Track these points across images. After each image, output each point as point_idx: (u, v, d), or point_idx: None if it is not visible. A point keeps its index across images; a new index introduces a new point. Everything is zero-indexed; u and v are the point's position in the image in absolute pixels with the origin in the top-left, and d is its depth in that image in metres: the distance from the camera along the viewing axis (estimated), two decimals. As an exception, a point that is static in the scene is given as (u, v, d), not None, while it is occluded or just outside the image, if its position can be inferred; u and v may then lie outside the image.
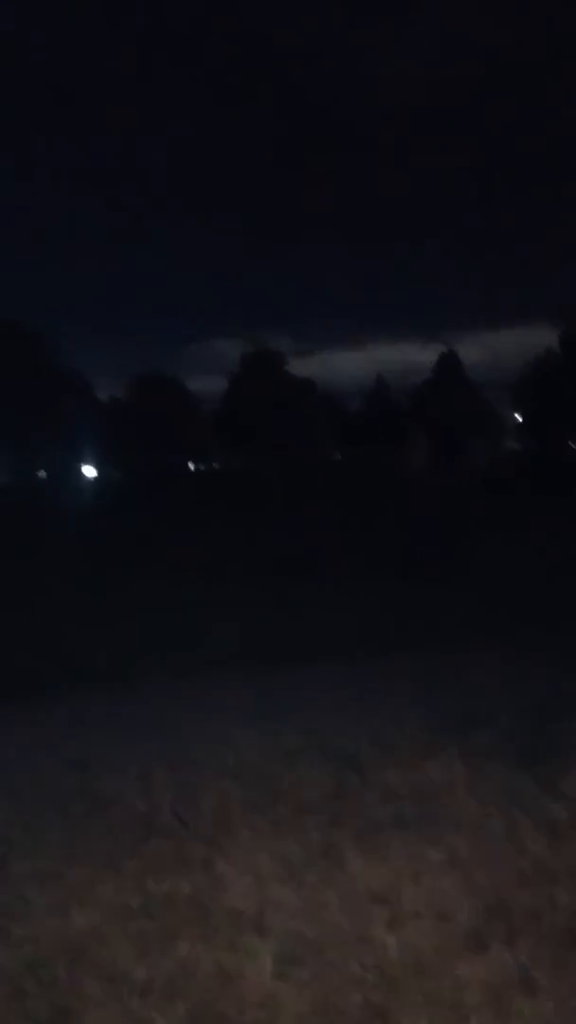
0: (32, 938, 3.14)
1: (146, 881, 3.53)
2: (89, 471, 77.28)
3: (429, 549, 14.21)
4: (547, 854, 3.66)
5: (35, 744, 5.40)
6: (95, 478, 74.97)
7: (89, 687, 6.73)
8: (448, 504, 27.53)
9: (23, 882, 3.57)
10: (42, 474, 73.57)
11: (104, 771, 4.78)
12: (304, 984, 2.81)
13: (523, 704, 5.70)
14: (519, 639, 7.82)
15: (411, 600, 9.94)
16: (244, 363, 78.30)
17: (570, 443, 66.65)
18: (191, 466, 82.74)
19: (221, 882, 3.51)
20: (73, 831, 4.04)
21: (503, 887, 3.40)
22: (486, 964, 2.89)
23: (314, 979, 2.84)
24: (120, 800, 4.38)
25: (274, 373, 76.89)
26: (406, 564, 12.43)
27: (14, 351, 68.82)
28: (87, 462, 77.02)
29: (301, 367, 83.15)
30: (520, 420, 74.06)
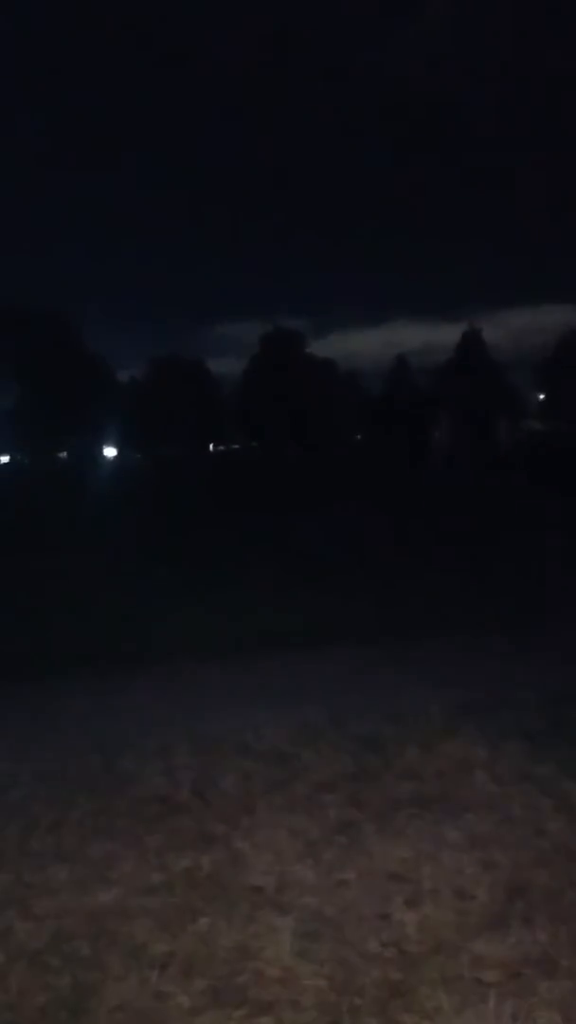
0: (55, 913, 3.18)
1: (167, 858, 3.56)
2: (110, 452, 77.57)
3: (451, 533, 14.16)
4: (567, 834, 3.66)
5: (59, 724, 5.45)
6: (115, 459, 75.22)
7: (112, 668, 6.78)
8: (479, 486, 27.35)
9: (46, 859, 3.61)
10: (63, 455, 73.96)
11: (127, 750, 4.82)
12: (322, 960, 2.83)
13: (542, 688, 5.68)
14: (538, 626, 7.78)
15: (433, 585, 9.92)
16: (264, 344, 78.09)
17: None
18: (211, 448, 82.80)
19: (241, 859, 3.54)
20: (96, 809, 4.08)
21: (522, 866, 3.40)
22: (504, 943, 2.90)
23: (332, 955, 2.86)
24: (142, 779, 4.42)
25: (294, 354, 76.65)
26: (427, 549, 12.40)
27: (35, 333, 69.04)
28: (108, 444, 77.30)
29: (316, 348, 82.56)
30: (543, 399, 73.49)
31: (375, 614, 8.39)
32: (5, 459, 72.80)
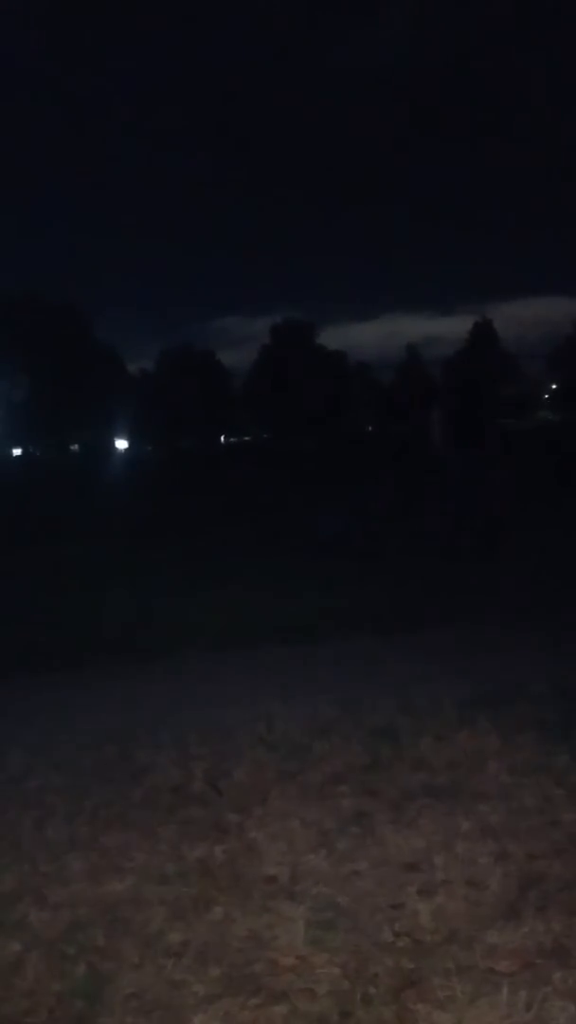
0: (70, 903, 3.21)
1: (181, 848, 3.58)
2: (121, 444, 77.71)
3: (466, 523, 14.08)
4: (580, 824, 3.65)
5: (74, 715, 5.48)
6: (127, 451, 75.36)
7: (125, 659, 6.82)
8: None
9: (61, 848, 3.64)
10: (75, 447, 74.15)
11: (142, 740, 4.84)
12: (336, 949, 2.84)
13: (558, 680, 5.67)
14: (555, 618, 7.75)
15: (447, 576, 9.91)
16: (275, 335, 77.98)
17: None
18: (222, 439, 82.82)
19: (254, 849, 3.55)
20: (110, 798, 4.10)
21: (536, 856, 3.40)
22: (518, 933, 2.90)
23: (346, 945, 2.87)
24: (155, 769, 4.44)
25: (305, 345, 76.52)
26: (443, 539, 12.35)
27: (46, 326, 69.12)
28: (119, 435, 77.44)
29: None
30: (555, 389, 73.20)
31: (390, 604, 8.39)
32: (18, 451, 73.06)
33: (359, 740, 4.69)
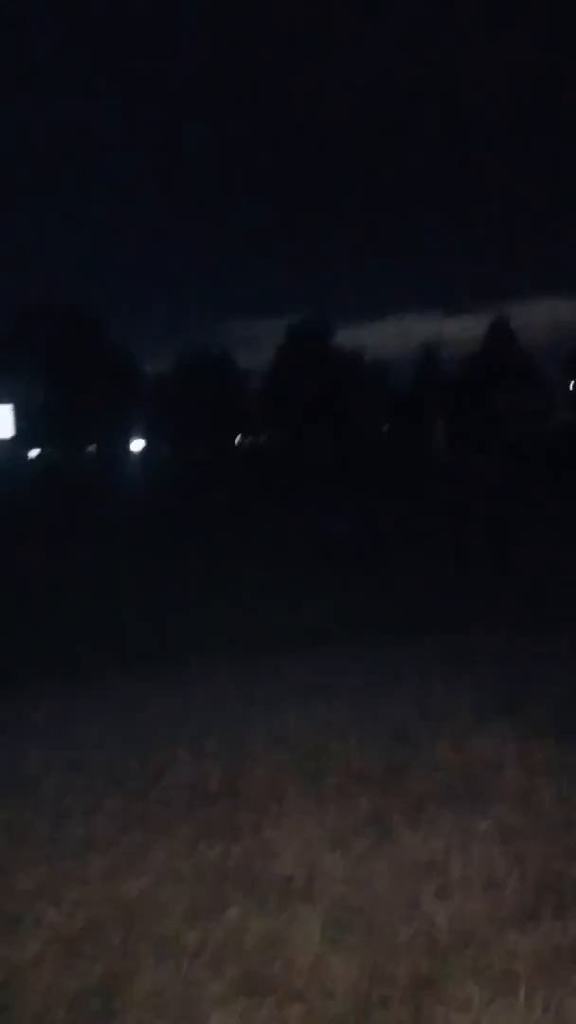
0: (88, 902, 3.22)
1: (197, 848, 3.59)
2: (137, 446, 77.94)
3: (476, 528, 14.05)
4: (598, 826, 3.64)
5: (92, 716, 5.50)
6: (142, 452, 75.56)
7: (143, 662, 6.83)
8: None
9: (79, 848, 3.65)
10: (91, 449, 74.41)
11: (158, 741, 4.85)
12: (352, 950, 2.84)
13: (574, 684, 5.64)
14: (568, 623, 7.71)
15: (460, 582, 9.88)
16: (290, 335, 77.94)
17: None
18: (237, 441, 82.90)
19: (271, 849, 3.56)
20: (128, 799, 4.12)
21: (552, 859, 3.39)
22: (535, 934, 2.89)
23: (362, 946, 2.87)
24: (173, 770, 4.45)
25: (321, 345, 76.46)
26: (453, 545, 12.33)
27: (61, 328, 69.48)
28: (135, 437, 77.66)
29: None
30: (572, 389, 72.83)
31: (406, 608, 8.37)
32: (35, 452, 73.42)
33: (376, 742, 4.69)
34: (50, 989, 2.72)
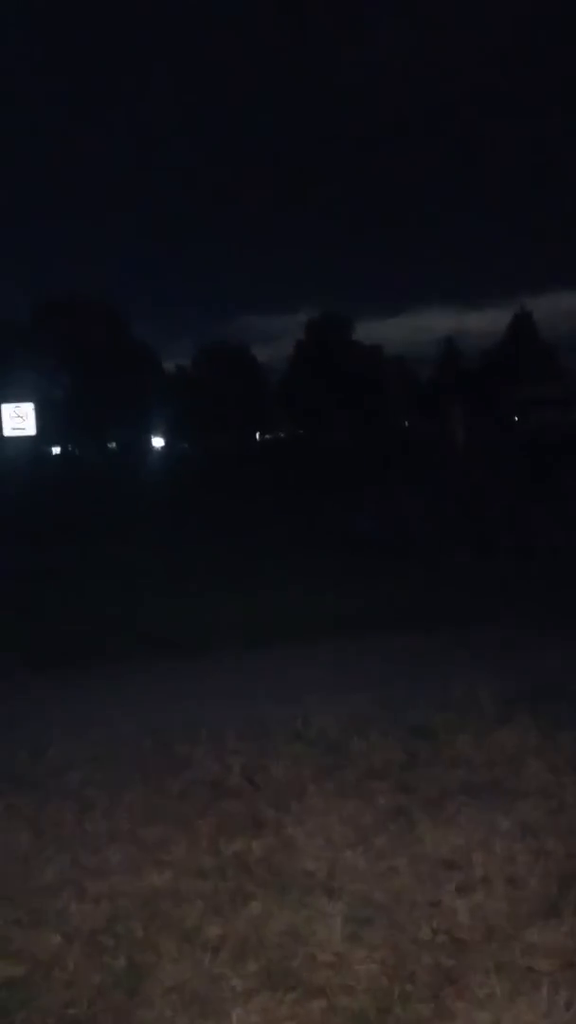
0: (110, 895, 3.24)
1: (218, 842, 3.60)
2: (158, 442, 78.19)
3: (498, 520, 13.95)
4: (621, 823, 3.61)
5: (114, 709, 5.53)
6: (163, 448, 75.81)
7: (165, 655, 6.86)
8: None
9: (101, 841, 3.67)
10: (112, 445, 74.76)
11: (180, 735, 4.87)
12: (374, 946, 2.84)
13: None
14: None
15: (483, 574, 9.83)
16: (311, 329, 77.85)
17: None
18: (257, 436, 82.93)
19: (292, 844, 3.56)
20: (148, 792, 4.13)
21: (575, 855, 3.36)
22: (558, 931, 2.87)
23: (384, 941, 2.86)
24: (194, 764, 4.46)
25: (341, 339, 76.31)
26: (476, 536, 12.26)
27: (83, 324, 69.76)
28: (156, 433, 77.91)
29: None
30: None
31: (428, 601, 8.35)
32: (57, 449, 73.86)
33: (397, 736, 4.68)
34: (73, 982, 2.74)
